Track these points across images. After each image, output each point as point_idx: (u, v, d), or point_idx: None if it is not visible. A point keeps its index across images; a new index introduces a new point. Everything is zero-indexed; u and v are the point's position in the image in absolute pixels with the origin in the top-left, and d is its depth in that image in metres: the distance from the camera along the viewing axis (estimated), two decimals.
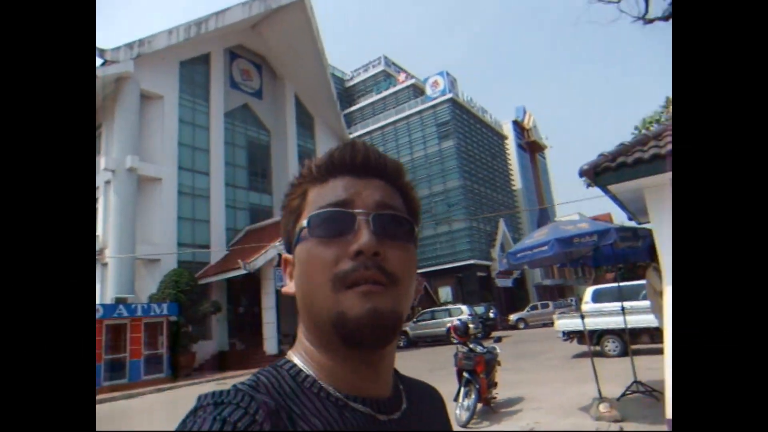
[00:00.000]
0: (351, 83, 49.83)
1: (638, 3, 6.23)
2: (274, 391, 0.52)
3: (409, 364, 14.17)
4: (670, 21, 6.00)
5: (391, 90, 44.50)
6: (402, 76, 45.66)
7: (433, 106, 38.96)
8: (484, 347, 6.68)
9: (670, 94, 20.33)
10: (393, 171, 0.62)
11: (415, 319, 23.35)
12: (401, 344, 22.51)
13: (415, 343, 22.07)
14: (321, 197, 0.58)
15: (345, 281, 0.53)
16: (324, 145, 28.72)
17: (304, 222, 0.57)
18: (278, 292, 19.02)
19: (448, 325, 7.19)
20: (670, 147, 4.99)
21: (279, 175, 25.56)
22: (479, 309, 23.63)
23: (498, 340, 12.74)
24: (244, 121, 24.94)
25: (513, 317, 28.25)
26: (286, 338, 19.82)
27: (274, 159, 25.99)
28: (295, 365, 0.57)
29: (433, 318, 22.03)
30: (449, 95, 38.52)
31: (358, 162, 0.61)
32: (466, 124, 39.67)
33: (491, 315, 24.02)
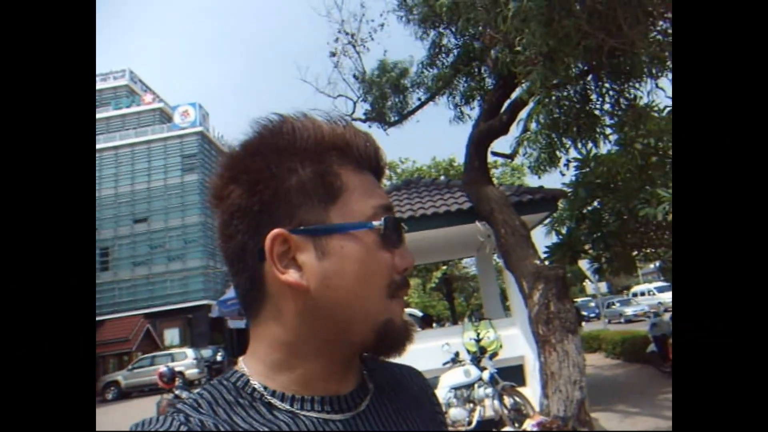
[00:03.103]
0: None
1: (347, 103, 7.96)
2: (217, 407, 0.49)
3: (112, 419, 12.79)
4: (368, 123, 7.86)
5: (134, 109, 40.46)
6: (148, 97, 42.12)
7: (181, 136, 37.15)
8: (190, 393, 6.88)
9: None
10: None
11: (130, 366, 21.01)
12: (110, 397, 19.82)
13: (129, 394, 19.73)
14: (368, 192, 0.53)
15: (396, 291, 0.53)
16: None
17: (375, 222, 0.51)
18: None
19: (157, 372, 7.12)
20: None
21: None
22: (206, 352, 22.85)
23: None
24: None
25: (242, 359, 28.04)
26: None
27: None
28: (242, 375, 0.52)
29: (153, 364, 20.22)
30: (199, 128, 37.46)
31: (381, 164, 0.58)
32: (214, 161, 38.99)
33: (219, 358, 23.50)
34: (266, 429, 0.48)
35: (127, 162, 36.88)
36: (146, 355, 21.88)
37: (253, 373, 0.52)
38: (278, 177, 0.51)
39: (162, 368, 7.30)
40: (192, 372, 18.50)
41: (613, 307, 23.45)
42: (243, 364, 0.54)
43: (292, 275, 0.50)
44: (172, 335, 30.92)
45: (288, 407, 0.50)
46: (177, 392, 6.72)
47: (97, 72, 44.63)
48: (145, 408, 13.56)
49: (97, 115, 40.20)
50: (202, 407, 0.48)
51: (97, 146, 36.98)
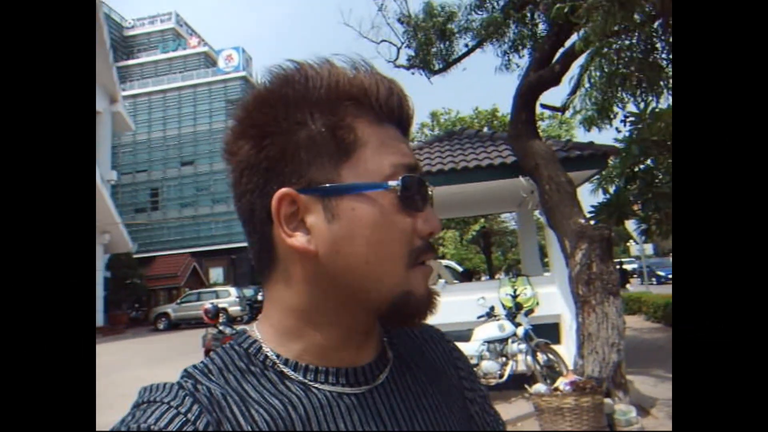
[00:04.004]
0: (131, 33, 43.73)
1: (390, 49, 7.69)
2: (228, 374, 0.46)
3: (164, 346, 13.80)
4: (412, 70, 7.59)
5: (180, 52, 40.81)
6: (194, 41, 42.27)
7: (225, 81, 37.38)
8: (233, 329, 7.28)
9: (424, 120, 23.87)
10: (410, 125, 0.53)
11: (179, 301, 22.41)
12: (161, 327, 21.35)
13: (178, 325, 21.20)
14: (386, 148, 0.47)
15: (417, 258, 0.48)
16: None
17: (391, 182, 0.46)
18: None
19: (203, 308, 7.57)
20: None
21: None
22: (248, 291, 24.02)
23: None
24: None
25: None
26: None
27: None
28: (255, 341, 0.49)
29: (199, 299, 21.48)
30: (243, 73, 37.50)
31: (406, 116, 0.51)
32: None
33: (259, 297, 24.67)
34: (277, 401, 0.45)
35: (174, 105, 37.65)
36: (193, 291, 23.21)
37: (265, 340, 0.49)
38: (287, 131, 0.47)
39: (207, 305, 7.73)
40: (235, 309, 19.57)
41: None
42: (256, 329, 0.51)
43: (299, 239, 0.46)
44: (216, 274, 32.55)
45: (300, 378, 0.47)
46: (221, 328, 7.12)
47: (145, 15, 44.90)
48: (193, 339, 14.54)
49: (146, 59, 40.87)
50: (213, 374, 0.46)
51: (146, 90, 37.87)
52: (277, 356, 0.48)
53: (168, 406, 0.42)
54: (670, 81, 4.03)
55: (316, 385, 0.47)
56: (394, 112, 0.50)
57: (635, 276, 21.36)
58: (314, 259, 0.46)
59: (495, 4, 6.55)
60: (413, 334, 0.61)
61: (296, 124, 0.47)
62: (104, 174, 21.66)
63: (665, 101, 4.22)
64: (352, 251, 0.46)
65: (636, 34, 3.68)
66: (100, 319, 20.61)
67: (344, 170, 0.46)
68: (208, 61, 40.19)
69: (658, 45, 4.05)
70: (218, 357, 0.48)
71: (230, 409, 0.44)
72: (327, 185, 0.46)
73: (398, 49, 7.79)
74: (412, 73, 7.39)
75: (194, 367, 0.48)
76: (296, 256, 0.47)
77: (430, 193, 0.50)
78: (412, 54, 7.40)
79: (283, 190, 0.46)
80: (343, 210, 0.46)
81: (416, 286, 0.48)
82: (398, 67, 7.77)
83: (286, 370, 0.48)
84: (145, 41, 43.34)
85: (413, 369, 0.55)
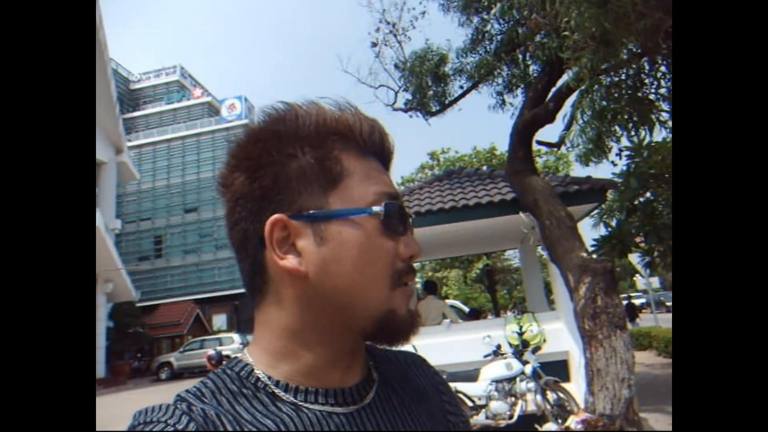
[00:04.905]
0: (137, 86, 45.16)
1: (388, 93, 7.91)
2: (220, 396, 0.48)
3: (167, 397, 13.44)
4: (409, 113, 7.79)
5: (184, 103, 42.01)
6: (198, 91, 43.58)
7: (228, 129, 38.22)
8: None
9: (425, 160, 24.25)
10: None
11: (181, 349, 22.03)
12: (163, 377, 20.89)
13: (180, 374, 20.73)
14: (370, 178, 0.52)
15: (399, 280, 0.51)
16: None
17: (375, 207, 0.50)
18: None
19: (206, 354, 7.44)
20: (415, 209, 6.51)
21: None
22: (251, 337, 23.61)
23: None
24: None
25: None
26: None
27: None
28: (246, 365, 0.51)
29: (202, 347, 21.13)
30: (245, 120, 38.36)
31: (387, 150, 0.56)
32: None
33: None
34: (269, 421, 0.47)
35: (178, 154, 38.34)
36: (196, 339, 22.84)
37: (257, 363, 0.51)
38: (279, 163, 0.51)
39: (210, 351, 7.63)
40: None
41: None
42: (247, 353, 0.53)
43: (290, 261, 0.49)
44: (220, 320, 32.13)
45: (291, 398, 0.49)
46: None
47: (151, 68, 46.55)
48: None
49: (151, 110, 42.01)
50: (206, 396, 0.48)
51: (152, 139, 38.70)
52: (269, 378, 0.50)
53: (165, 425, 0.43)
54: (661, 115, 4.14)
55: (306, 405, 0.49)
56: (376, 146, 0.54)
57: (644, 310, 21.09)
58: (305, 279, 0.49)
59: (487, 47, 6.80)
60: (396, 358, 0.63)
61: (288, 157, 0.51)
62: (108, 223, 21.77)
63: (658, 134, 4.32)
64: (340, 271, 0.49)
65: (624, 71, 3.82)
66: (101, 371, 20.18)
67: (332, 198, 0.50)
68: (212, 110, 41.25)
69: (647, 81, 4.19)
70: (211, 381, 0.50)
71: (224, 428, 0.45)
72: (316, 211, 0.50)
73: (396, 93, 8.02)
74: (410, 116, 7.59)
75: (187, 391, 0.49)
76: (288, 277, 0.50)
77: (410, 220, 0.54)
78: (410, 97, 7.61)
79: (276, 216, 0.49)
80: (331, 234, 0.49)
81: (398, 306, 0.51)
82: (396, 110, 7.97)
83: (277, 391, 0.49)
84: (151, 93, 44.67)
85: (398, 391, 0.57)
